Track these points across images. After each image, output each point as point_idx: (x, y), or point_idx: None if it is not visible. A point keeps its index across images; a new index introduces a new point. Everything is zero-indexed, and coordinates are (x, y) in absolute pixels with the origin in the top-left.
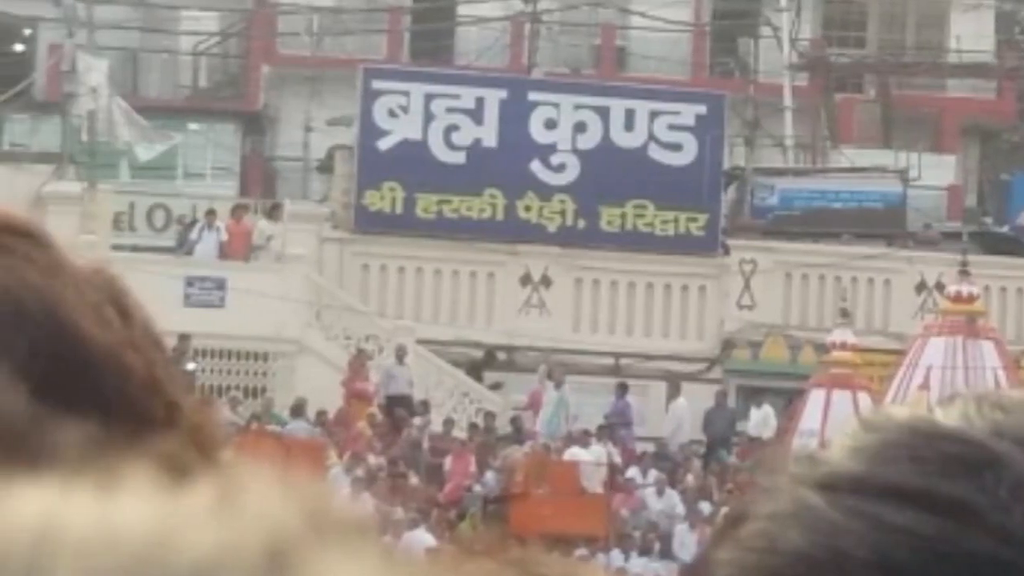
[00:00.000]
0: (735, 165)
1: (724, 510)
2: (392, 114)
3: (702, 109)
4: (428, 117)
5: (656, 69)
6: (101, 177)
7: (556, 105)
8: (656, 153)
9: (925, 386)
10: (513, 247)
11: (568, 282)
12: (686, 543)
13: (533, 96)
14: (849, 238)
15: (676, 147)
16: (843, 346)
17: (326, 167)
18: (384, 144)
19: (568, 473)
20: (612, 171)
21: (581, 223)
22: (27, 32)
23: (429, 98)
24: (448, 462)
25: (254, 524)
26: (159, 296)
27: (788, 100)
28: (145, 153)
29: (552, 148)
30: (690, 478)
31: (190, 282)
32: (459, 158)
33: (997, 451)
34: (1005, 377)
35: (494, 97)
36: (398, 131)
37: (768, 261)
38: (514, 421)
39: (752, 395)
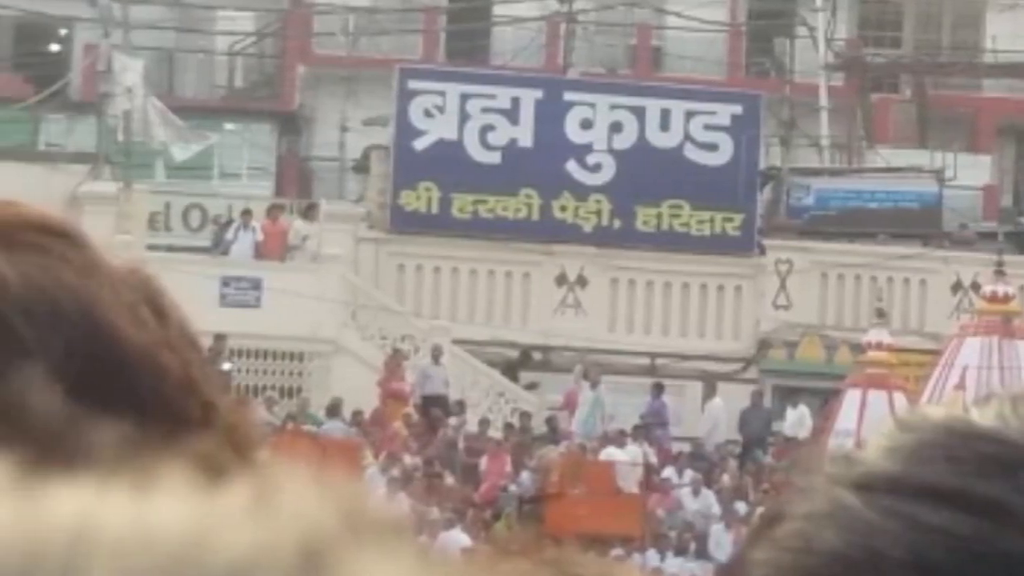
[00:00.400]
0: (771, 165)
1: (760, 510)
2: (428, 114)
3: (738, 109)
4: (464, 117)
5: (692, 69)
6: (137, 177)
7: (592, 105)
8: (692, 153)
9: (961, 386)
10: (549, 247)
11: (604, 282)
12: (722, 543)
13: (569, 96)
14: (885, 238)
15: (712, 147)
16: (879, 346)
17: (362, 167)
18: (420, 144)
19: (604, 473)
20: (648, 171)
21: (617, 223)
22: (63, 32)
23: (465, 98)
24: (484, 462)
25: (290, 524)
26: (195, 296)
27: (824, 100)
28: (181, 153)
29: (588, 148)
30: (726, 478)
31: (226, 282)
32: (495, 158)
33: None
34: None
35: (530, 97)
36: (434, 131)
37: (804, 261)
38: (550, 421)
39: (788, 395)
